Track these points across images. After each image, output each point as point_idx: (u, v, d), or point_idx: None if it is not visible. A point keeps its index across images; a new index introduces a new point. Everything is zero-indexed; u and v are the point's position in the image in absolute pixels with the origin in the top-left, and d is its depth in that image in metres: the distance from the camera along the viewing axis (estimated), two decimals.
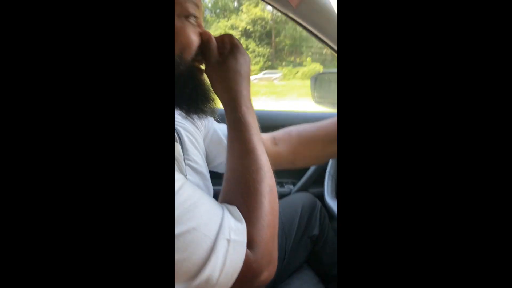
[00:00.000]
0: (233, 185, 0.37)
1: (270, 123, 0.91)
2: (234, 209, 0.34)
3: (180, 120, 0.57)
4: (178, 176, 0.32)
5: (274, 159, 0.60)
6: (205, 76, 0.43)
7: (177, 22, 0.38)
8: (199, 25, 0.41)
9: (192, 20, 0.39)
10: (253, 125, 0.40)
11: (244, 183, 0.36)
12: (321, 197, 0.79)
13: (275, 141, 0.65)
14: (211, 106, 0.44)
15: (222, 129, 0.63)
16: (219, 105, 0.44)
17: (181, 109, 0.43)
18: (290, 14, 0.65)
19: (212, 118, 0.62)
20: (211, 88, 0.43)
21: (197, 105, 0.42)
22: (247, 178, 0.36)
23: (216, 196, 0.42)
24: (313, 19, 0.64)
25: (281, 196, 0.92)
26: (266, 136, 0.65)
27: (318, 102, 0.83)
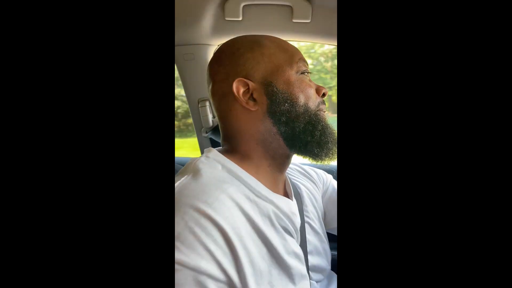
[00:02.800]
0: None
1: None
2: None
3: (298, 177, 0.57)
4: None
5: None
6: (330, 122, 0.47)
7: (299, 79, 0.44)
8: (310, 80, 0.46)
9: (306, 75, 0.45)
10: None
11: None
12: None
13: None
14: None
15: None
16: None
17: (310, 154, 0.45)
18: None
19: (331, 176, 0.63)
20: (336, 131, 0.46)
21: (328, 147, 0.44)
22: None
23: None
24: None
25: None
26: None
27: None
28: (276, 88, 0.42)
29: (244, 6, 0.63)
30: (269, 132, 0.43)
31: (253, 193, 0.39)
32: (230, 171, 0.39)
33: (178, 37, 0.72)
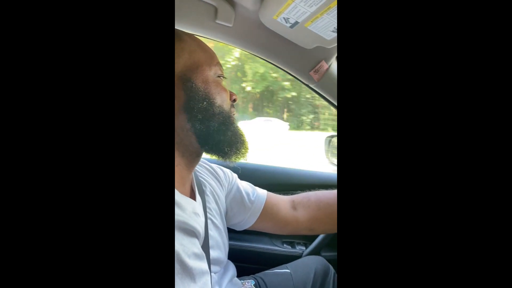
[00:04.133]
0: None
1: (286, 180, 0.94)
2: None
3: (205, 175, 0.59)
4: None
5: (293, 224, 0.63)
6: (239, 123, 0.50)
7: (216, 81, 0.47)
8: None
9: (221, 79, 0.48)
10: None
11: None
12: (333, 261, 0.76)
13: (294, 205, 0.65)
14: (246, 149, 0.49)
15: (244, 187, 0.64)
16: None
17: (220, 153, 0.46)
18: (312, 86, 0.79)
19: (236, 176, 0.66)
20: (244, 133, 0.49)
21: (236, 148, 0.47)
22: None
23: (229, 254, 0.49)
24: (330, 90, 0.77)
25: (293, 258, 0.90)
26: (286, 199, 0.66)
27: (332, 163, 0.84)
28: (195, 85, 0.43)
29: None
30: (182, 128, 0.44)
31: None
32: None
33: None
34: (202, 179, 0.58)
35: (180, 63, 0.43)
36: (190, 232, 0.41)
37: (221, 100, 0.46)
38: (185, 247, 0.39)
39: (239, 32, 0.68)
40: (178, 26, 0.66)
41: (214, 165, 0.65)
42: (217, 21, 0.65)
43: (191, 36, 0.48)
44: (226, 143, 0.46)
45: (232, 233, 0.69)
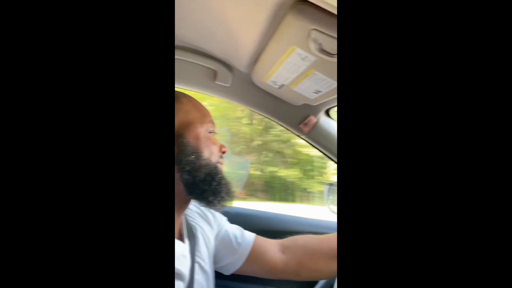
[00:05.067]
0: None
1: (278, 227, 0.97)
2: None
3: (196, 218, 0.62)
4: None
5: (280, 268, 0.63)
6: (226, 173, 0.55)
7: (204, 135, 0.53)
8: (215, 138, 0.56)
9: (212, 134, 0.55)
10: None
11: None
12: None
13: (282, 249, 0.66)
14: (232, 197, 0.53)
15: (233, 230, 0.66)
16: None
17: (205, 201, 0.51)
18: (302, 137, 0.87)
19: (226, 218, 0.69)
20: (231, 183, 0.54)
21: (221, 197, 0.51)
22: None
23: None
24: (320, 142, 0.86)
25: None
26: (274, 242, 0.67)
27: (332, 211, 0.85)
28: (185, 140, 0.50)
29: (177, 59, 0.73)
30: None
31: None
32: None
33: None
34: (193, 223, 0.61)
35: (176, 121, 0.51)
36: (175, 274, 0.43)
37: (209, 153, 0.52)
38: None
39: (236, 90, 0.79)
40: (181, 85, 0.76)
41: (204, 208, 0.68)
42: (216, 82, 0.76)
43: (188, 97, 0.56)
44: (210, 192, 0.50)
45: (221, 279, 0.69)
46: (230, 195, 0.53)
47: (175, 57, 0.72)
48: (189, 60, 0.73)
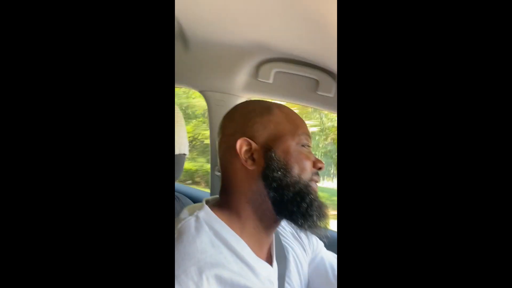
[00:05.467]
0: None
1: None
2: None
3: (290, 239, 0.57)
4: None
5: None
6: (321, 195, 0.49)
7: (295, 149, 0.46)
8: (310, 152, 0.48)
9: (306, 148, 0.47)
10: None
11: None
12: None
13: None
14: (325, 222, 0.47)
15: (330, 258, 0.59)
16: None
17: (296, 223, 0.46)
18: None
19: (322, 244, 0.62)
20: (326, 205, 0.47)
21: (312, 220, 0.45)
22: None
23: None
24: None
25: None
26: None
27: None
28: (274, 154, 0.45)
29: (276, 71, 0.70)
30: (260, 193, 0.45)
31: (235, 255, 0.40)
32: (216, 234, 0.41)
33: (214, 84, 0.81)
34: (286, 244, 0.54)
35: (265, 133, 0.46)
36: None
37: (300, 170, 0.45)
38: None
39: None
40: (280, 98, 0.73)
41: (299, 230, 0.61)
42: (318, 92, 0.68)
43: (280, 107, 0.51)
44: (300, 215, 0.44)
45: None
46: (323, 220, 0.45)
47: (275, 70, 0.70)
48: (290, 71, 0.69)
